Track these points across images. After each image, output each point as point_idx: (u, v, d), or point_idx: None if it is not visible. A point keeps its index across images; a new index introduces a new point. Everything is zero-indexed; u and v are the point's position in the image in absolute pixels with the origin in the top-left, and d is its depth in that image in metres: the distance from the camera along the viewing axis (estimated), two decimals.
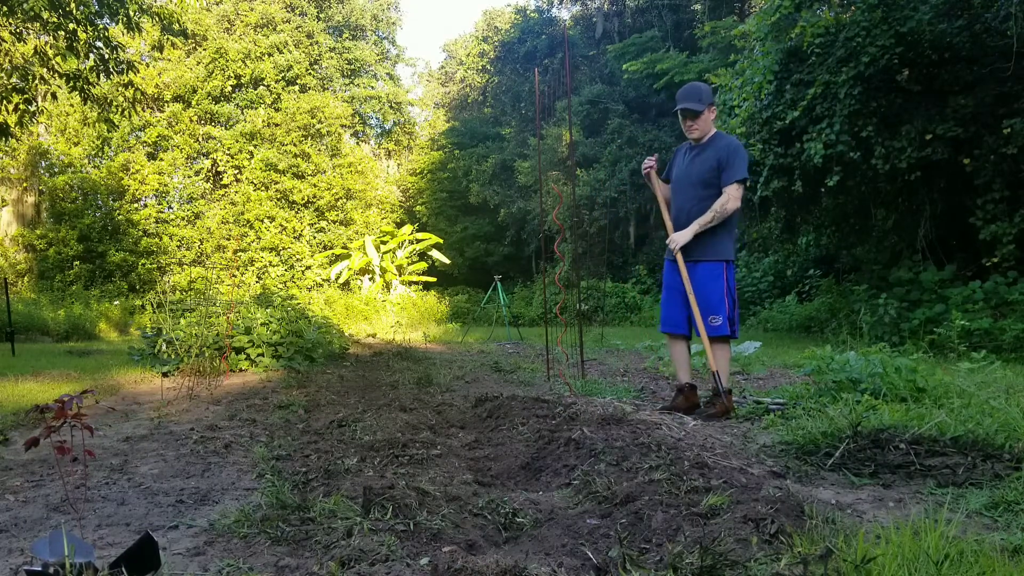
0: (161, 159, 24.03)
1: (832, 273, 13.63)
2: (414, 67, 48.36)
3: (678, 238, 4.25)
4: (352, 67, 29.40)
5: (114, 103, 11.23)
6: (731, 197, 4.19)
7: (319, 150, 25.69)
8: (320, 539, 2.08)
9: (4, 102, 9.82)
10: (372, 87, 29.95)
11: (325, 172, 25.48)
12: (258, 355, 7.03)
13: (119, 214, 22.76)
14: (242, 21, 26.58)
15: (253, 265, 23.90)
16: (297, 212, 24.91)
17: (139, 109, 12.72)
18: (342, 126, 26.58)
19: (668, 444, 3.01)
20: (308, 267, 24.43)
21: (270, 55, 26.08)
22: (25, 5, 9.17)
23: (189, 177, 24.65)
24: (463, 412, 4.44)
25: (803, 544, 1.86)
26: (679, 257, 4.29)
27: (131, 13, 9.81)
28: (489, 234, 26.53)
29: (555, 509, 2.40)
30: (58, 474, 2.98)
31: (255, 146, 24.85)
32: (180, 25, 11.29)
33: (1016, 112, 8.57)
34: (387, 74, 31.05)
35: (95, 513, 2.51)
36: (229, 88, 25.43)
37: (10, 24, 9.74)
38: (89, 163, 23.54)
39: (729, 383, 4.36)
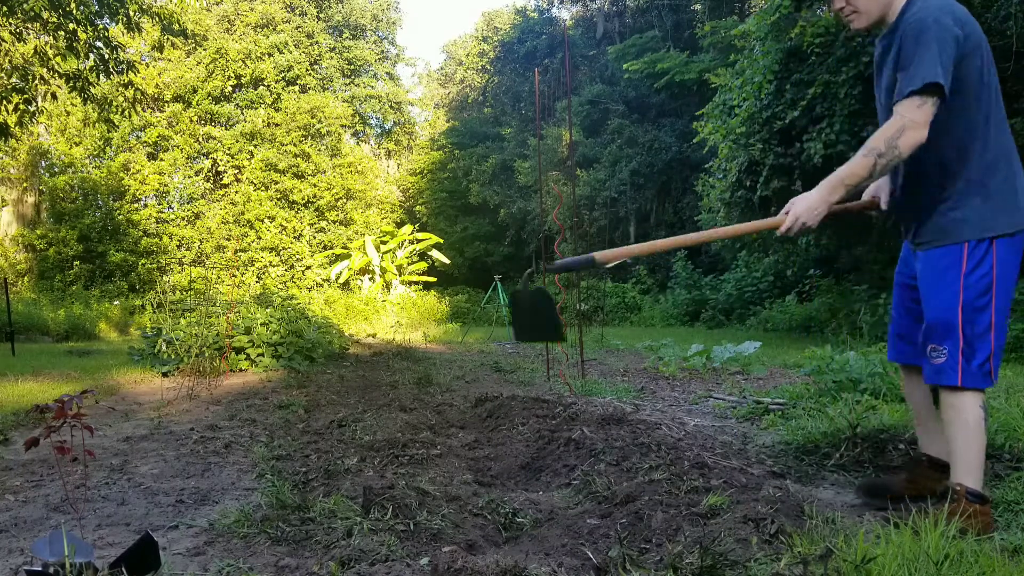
0: (161, 159, 24.04)
1: (832, 273, 13.61)
2: (414, 67, 48.57)
3: (806, 210, 2.23)
4: (352, 67, 29.41)
5: (114, 103, 11.23)
6: (905, 121, 2.12)
7: (319, 150, 25.69)
8: (320, 539, 2.08)
9: (4, 102, 9.81)
10: (372, 87, 29.97)
11: (325, 172, 25.49)
12: (258, 355, 7.03)
13: (119, 214, 22.75)
14: (242, 21, 26.58)
15: (253, 265, 23.90)
16: (297, 212, 24.91)
17: (139, 109, 12.72)
18: (342, 126, 26.58)
19: (668, 444, 3.01)
20: (308, 267, 24.43)
21: (270, 55, 26.08)
22: (25, 5, 9.16)
23: (189, 177, 24.65)
24: (463, 412, 4.44)
25: (803, 544, 1.85)
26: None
27: (131, 13, 9.82)
28: (489, 234, 26.53)
29: (555, 509, 2.39)
30: (58, 474, 2.98)
31: (255, 146, 24.86)
32: (180, 25, 11.28)
33: (1016, 112, 8.56)
34: (387, 74, 31.08)
35: (95, 513, 2.51)
36: (229, 88, 25.43)
37: (10, 24, 9.74)
38: (89, 163, 23.54)
39: (981, 480, 2.17)
